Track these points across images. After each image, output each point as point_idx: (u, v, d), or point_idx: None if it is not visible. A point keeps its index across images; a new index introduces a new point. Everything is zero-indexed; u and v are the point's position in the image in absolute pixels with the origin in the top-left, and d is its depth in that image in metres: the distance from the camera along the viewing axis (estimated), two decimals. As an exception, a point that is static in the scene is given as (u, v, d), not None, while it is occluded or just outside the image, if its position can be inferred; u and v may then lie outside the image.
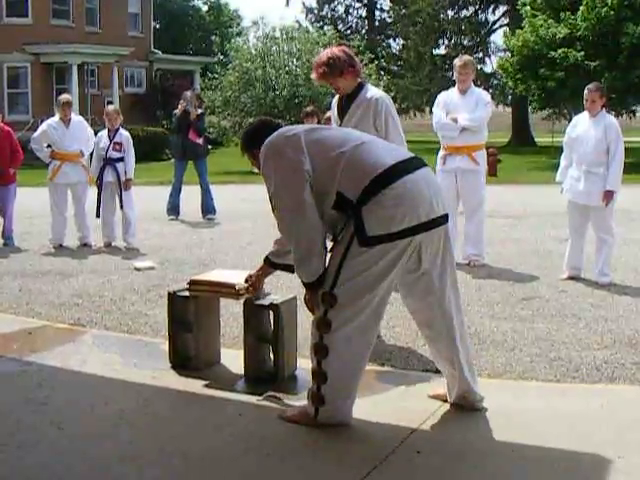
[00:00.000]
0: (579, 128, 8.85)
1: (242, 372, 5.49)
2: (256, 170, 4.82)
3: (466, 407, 4.80)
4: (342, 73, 6.01)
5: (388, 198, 4.23)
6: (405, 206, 4.25)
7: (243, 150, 4.91)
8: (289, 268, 4.91)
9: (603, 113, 8.80)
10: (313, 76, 6.20)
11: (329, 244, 4.51)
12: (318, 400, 4.48)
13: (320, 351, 4.41)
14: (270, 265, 5.17)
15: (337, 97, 6.41)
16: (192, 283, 5.70)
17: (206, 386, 5.31)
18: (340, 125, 6.22)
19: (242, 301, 5.51)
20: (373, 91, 6.21)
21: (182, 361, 5.69)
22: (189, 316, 5.66)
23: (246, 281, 5.32)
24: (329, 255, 4.46)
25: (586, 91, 8.74)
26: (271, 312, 5.43)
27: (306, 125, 4.62)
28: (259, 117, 5.46)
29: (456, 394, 4.82)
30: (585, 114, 8.86)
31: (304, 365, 5.59)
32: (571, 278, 8.74)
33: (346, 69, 6.01)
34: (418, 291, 4.56)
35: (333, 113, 6.51)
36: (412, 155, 4.53)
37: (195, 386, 5.32)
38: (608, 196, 8.55)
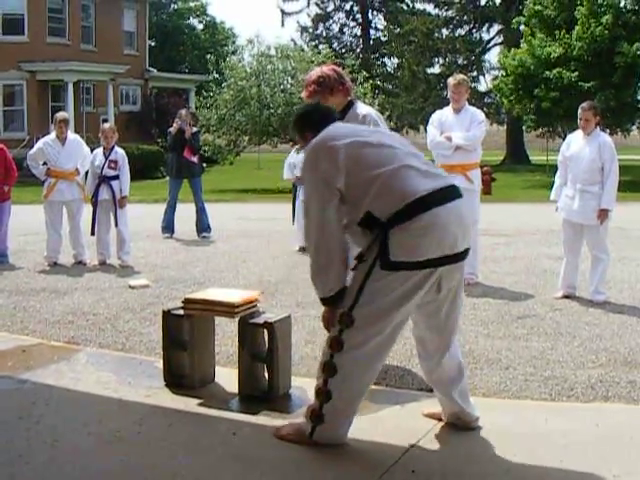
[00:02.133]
0: (573, 147, 8.88)
1: (236, 391, 5.48)
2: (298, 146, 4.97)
3: (461, 426, 4.79)
4: (332, 91, 6.01)
5: (417, 226, 4.20)
6: (432, 237, 4.22)
7: (295, 129, 4.98)
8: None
9: (597, 131, 8.83)
10: (303, 94, 6.20)
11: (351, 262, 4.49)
12: (317, 418, 4.46)
13: (328, 370, 4.39)
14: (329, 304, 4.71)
15: None
16: (187, 302, 5.69)
17: (200, 404, 5.30)
18: None
19: (237, 319, 5.50)
20: (363, 108, 6.19)
21: (176, 379, 5.68)
22: (184, 334, 5.66)
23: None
24: (350, 274, 4.44)
25: (580, 110, 8.78)
26: (265, 331, 5.43)
27: (355, 132, 4.61)
28: (312, 104, 5.44)
29: (449, 414, 4.82)
30: (579, 132, 8.89)
31: (298, 384, 5.59)
32: (566, 297, 8.74)
33: (336, 87, 6.01)
34: (425, 311, 4.54)
35: None
36: (450, 184, 4.45)
37: (189, 404, 5.30)
38: (603, 214, 8.58)
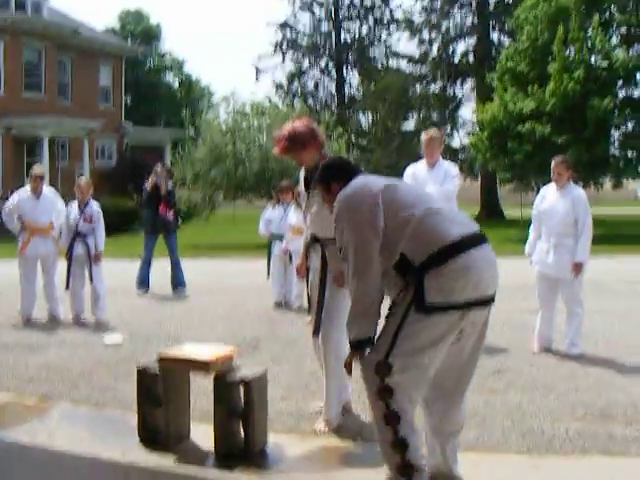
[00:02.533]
0: (547, 200, 8.96)
1: (212, 447, 5.42)
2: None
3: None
4: (305, 146, 6.00)
5: (452, 269, 4.27)
6: (467, 279, 4.29)
7: (321, 181, 4.98)
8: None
9: (571, 185, 8.92)
10: (275, 150, 6.18)
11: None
12: (407, 468, 4.37)
13: (392, 419, 4.33)
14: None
15: (303, 170, 6.34)
16: (161, 358, 5.65)
17: (176, 461, 5.24)
18: (307, 198, 6.21)
19: (212, 376, 5.46)
20: None
21: (151, 435, 5.62)
22: (158, 391, 5.61)
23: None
24: (383, 321, 4.47)
25: (553, 163, 8.88)
26: (241, 387, 5.39)
27: (384, 180, 4.67)
28: (337, 156, 5.56)
29: (432, 466, 4.75)
30: (553, 186, 8.98)
31: (275, 440, 5.54)
32: (543, 349, 8.75)
33: (308, 142, 6.00)
34: (450, 351, 4.53)
35: (301, 187, 6.47)
36: (477, 230, 4.52)
37: (164, 462, 5.24)
38: (578, 268, 8.63)
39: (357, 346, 4.49)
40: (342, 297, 5.91)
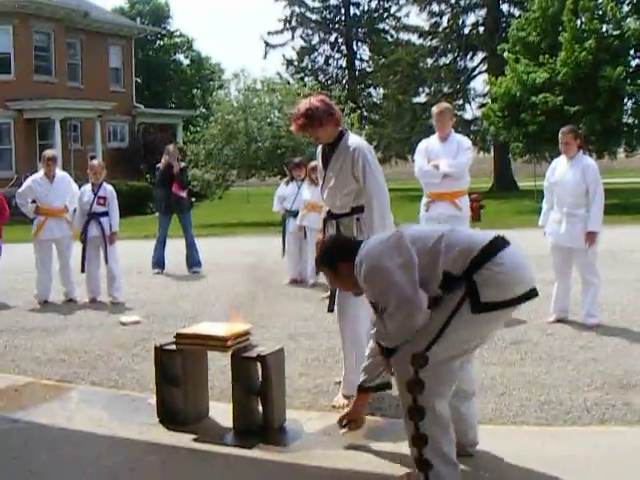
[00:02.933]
0: (558, 171, 8.94)
1: (231, 425, 5.44)
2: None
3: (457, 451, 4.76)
4: (322, 123, 5.99)
5: (499, 266, 4.25)
6: (515, 274, 4.30)
7: (326, 265, 4.80)
8: (384, 386, 4.95)
9: (580, 155, 8.89)
10: (292, 128, 6.18)
11: None
12: (424, 465, 4.30)
13: (417, 414, 4.27)
14: (366, 391, 4.99)
15: (320, 146, 6.37)
16: (179, 336, 5.67)
17: (195, 440, 5.26)
18: (324, 174, 6.22)
19: (230, 353, 5.47)
20: (353, 139, 6.13)
21: (170, 415, 5.64)
22: (176, 370, 5.62)
23: (341, 422, 5.11)
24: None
25: (560, 134, 8.87)
26: (259, 364, 5.40)
27: (393, 231, 4.67)
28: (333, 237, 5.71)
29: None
30: (563, 158, 8.95)
31: (293, 416, 5.56)
32: (559, 321, 8.74)
33: (325, 119, 5.99)
34: None
35: (318, 163, 6.48)
36: (496, 235, 4.47)
37: (184, 440, 5.26)
38: (591, 237, 8.61)
39: (389, 353, 4.46)
40: None
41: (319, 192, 6.55)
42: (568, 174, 8.78)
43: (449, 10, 49.19)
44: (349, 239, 5.13)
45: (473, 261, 4.24)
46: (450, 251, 4.28)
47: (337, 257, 4.68)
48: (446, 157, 9.44)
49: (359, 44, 58.68)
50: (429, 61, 49.73)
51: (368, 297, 4.55)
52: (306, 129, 6.07)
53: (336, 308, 6.24)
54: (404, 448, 4.82)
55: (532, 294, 4.37)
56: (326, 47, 57.86)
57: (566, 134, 8.86)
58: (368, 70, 56.97)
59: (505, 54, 30.02)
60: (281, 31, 56.69)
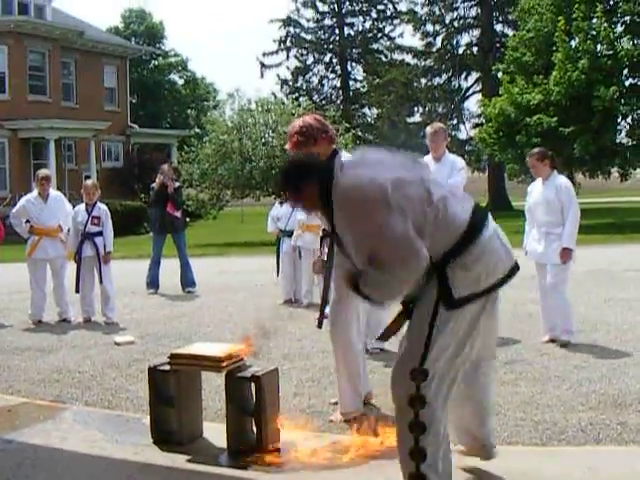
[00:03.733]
0: (534, 193, 9.20)
1: (225, 445, 5.42)
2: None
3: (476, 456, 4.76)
4: (316, 141, 6.04)
5: (470, 258, 4.14)
6: (487, 263, 4.18)
7: (289, 186, 4.44)
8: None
9: (554, 175, 9.06)
10: (287, 146, 6.22)
11: None
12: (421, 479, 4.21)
13: (417, 429, 4.16)
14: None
15: None
16: (173, 357, 5.65)
17: (189, 461, 5.24)
18: None
19: (224, 374, 5.46)
20: (346, 157, 6.19)
21: (164, 436, 5.62)
22: (170, 390, 5.61)
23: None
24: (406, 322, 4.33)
25: (527, 157, 9.05)
26: (253, 384, 5.39)
27: (392, 174, 4.18)
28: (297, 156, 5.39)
29: (467, 439, 4.82)
30: (539, 180, 9.14)
31: (286, 437, 5.54)
32: (552, 340, 8.75)
33: (320, 137, 6.04)
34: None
35: None
36: (475, 203, 4.36)
37: (178, 461, 5.24)
38: (565, 254, 8.73)
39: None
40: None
41: None
42: (543, 195, 8.97)
43: (443, 30, 49.50)
44: (316, 157, 4.89)
45: (449, 251, 4.13)
46: (433, 234, 4.10)
47: (303, 177, 4.33)
48: (440, 177, 9.44)
49: (353, 64, 58.97)
50: (423, 81, 50.01)
51: (341, 231, 4.29)
52: (301, 147, 6.10)
53: (330, 327, 6.25)
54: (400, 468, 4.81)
55: (512, 273, 4.30)
56: (321, 67, 58.19)
57: (531, 157, 9.13)
58: (362, 90, 57.23)
59: (500, 75, 30.19)
60: (276, 51, 56.99)
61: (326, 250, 6.28)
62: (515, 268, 4.34)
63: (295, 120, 6.33)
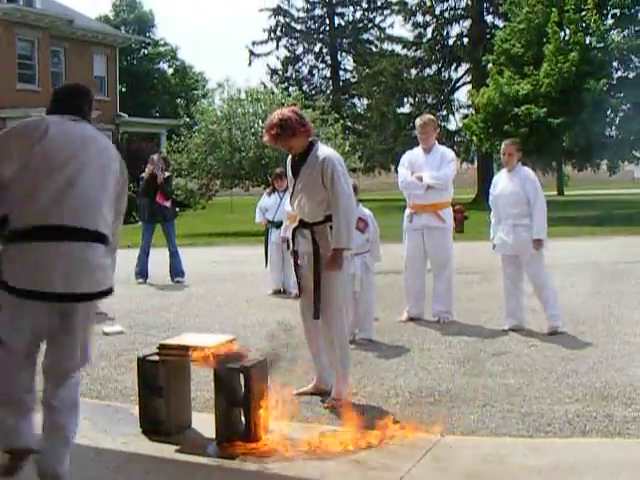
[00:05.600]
0: (499, 185, 9.25)
1: (213, 436, 5.44)
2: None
3: None
4: (294, 133, 6.11)
5: (23, 250, 4.31)
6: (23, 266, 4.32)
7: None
8: None
9: (519, 167, 9.15)
10: (265, 138, 6.29)
11: None
12: None
13: None
14: None
15: (290, 156, 6.51)
16: (162, 347, 5.67)
17: (177, 451, 5.26)
18: (294, 185, 6.32)
19: (212, 365, 5.47)
20: (323, 150, 6.29)
21: (153, 426, 5.63)
22: (159, 381, 5.61)
23: None
24: None
25: (503, 145, 9.13)
26: (242, 375, 5.40)
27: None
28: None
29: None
30: (504, 171, 9.23)
31: (276, 427, 5.56)
32: (513, 330, 8.83)
33: (298, 129, 6.11)
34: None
35: (288, 172, 6.60)
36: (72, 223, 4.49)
37: (166, 451, 5.26)
38: (537, 244, 8.82)
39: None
40: (336, 280, 6.23)
41: None
42: (508, 187, 9.06)
43: (433, 21, 49.48)
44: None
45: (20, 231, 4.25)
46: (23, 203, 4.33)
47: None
48: (430, 169, 9.50)
49: (343, 54, 58.97)
50: (413, 72, 50.00)
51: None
52: (279, 139, 6.17)
53: (321, 317, 6.32)
54: (388, 459, 4.85)
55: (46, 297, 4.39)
56: (310, 57, 58.19)
57: (509, 145, 9.17)
58: (352, 80, 57.25)
59: (489, 65, 30.21)
60: (266, 41, 56.93)
61: (301, 240, 6.49)
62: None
63: (273, 113, 6.37)
